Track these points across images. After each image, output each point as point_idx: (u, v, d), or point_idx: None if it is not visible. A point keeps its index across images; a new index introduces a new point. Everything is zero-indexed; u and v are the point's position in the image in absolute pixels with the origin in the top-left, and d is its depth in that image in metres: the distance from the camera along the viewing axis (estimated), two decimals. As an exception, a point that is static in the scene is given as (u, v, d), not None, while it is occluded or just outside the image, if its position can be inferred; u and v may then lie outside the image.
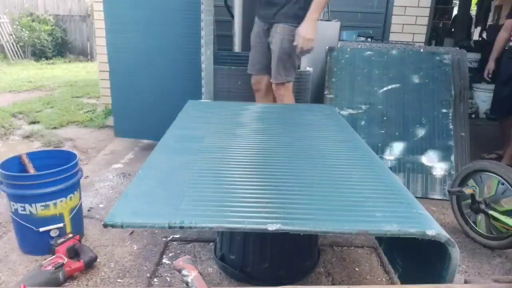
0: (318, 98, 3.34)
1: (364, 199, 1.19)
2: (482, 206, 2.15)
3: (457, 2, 8.61)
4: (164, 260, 1.95)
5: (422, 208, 1.17)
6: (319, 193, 1.23)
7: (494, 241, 2.13)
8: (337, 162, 1.50)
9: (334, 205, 1.13)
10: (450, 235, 1.00)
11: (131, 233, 2.17)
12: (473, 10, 9.85)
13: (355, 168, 1.46)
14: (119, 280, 1.79)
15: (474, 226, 2.25)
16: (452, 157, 2.88)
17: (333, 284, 1.80)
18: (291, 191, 1.22)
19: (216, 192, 1.22)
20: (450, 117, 3.00)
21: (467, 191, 2.19)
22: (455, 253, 0.98)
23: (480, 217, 2.21)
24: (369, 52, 3.27)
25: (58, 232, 1.98)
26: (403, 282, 1.41)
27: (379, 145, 2.95)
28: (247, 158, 1.53)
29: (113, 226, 1.02)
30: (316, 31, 2.44)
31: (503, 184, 2.09)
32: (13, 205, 1.91)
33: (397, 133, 2.99)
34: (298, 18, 2.48)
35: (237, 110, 2.27)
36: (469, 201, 2.24)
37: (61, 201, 1.97)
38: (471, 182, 2.27)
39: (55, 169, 1.93)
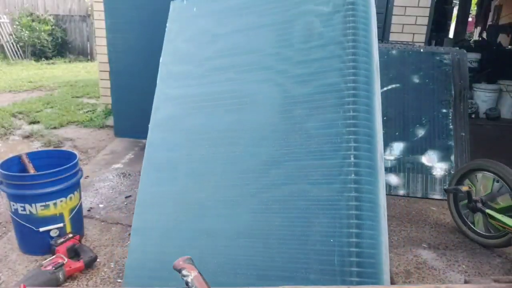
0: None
1: None
2: (479, 205, 2.16)
3: (457, 2, 8.62)
4: (164, 260, 1.95)
5: None
6: None
7: (491, 240, 2.14)
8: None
9: None
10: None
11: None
12: (473, 10, 9.85)
13: None
14: (119, 280, 1.79)
15: (472, 226, 2.25)
16: (452, 157, 2.89)
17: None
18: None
19: None
20: (450, 117, 3.01)
21: (463, 188, 2.21)
22: None
23: (478, 217, 2.22)
24: (369, 52, 3.27)
25: (58, 232, 1.98)
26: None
27: (379, 145, 2.95)
28: None
29: None
30: None
31: (498, 181, 2.10)
32: (13, 205, 1.91)
33: (397, 133, 2.99)
34: None
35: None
36: (466, 200, 2.25)
37: (61, 201, 1.97)
38: (467, 182, 2.28)
39: (55, 169, 1.93)
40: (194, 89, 1.84)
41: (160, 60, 2.00)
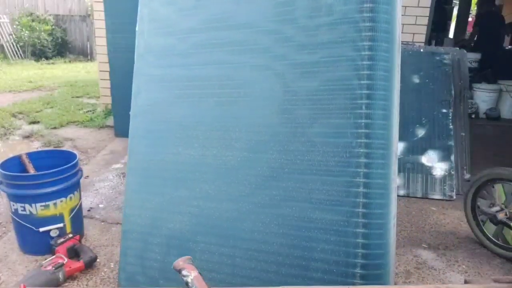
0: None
1: None
2: (503, 218, 2.05)
3: (457, 2, 8.61)
4: (164, 260, 1.95)
5: None
6: None
7: None
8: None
9: None
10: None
11: (131, 233, 2.17)
12: (473, 10, 9.85)
13: None
14: (119, 280, 1.79)
15: (495, 240, 2.14)
16: (452, 157, 2.88)
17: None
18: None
19: None
20: (450, 117, 3.00)
21: (500, 215, 2.05)
22: None
23: (497, 228, 2.11)
24: (369, 52, 3.26)
25: (58, 232, 1.98)
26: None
27: (379, 145, 2.94)
28: None
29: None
30: None
31: None
32: (13, 205, 1.91)
33: (397, 133, 2.99)
34: None
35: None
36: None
37: (61, 201, 1.97)
38: (499, 187, 2.11)
39: (55, 169, 1.93)
40: (178, 70, 1.59)
41: (136, 29, 1.69)
